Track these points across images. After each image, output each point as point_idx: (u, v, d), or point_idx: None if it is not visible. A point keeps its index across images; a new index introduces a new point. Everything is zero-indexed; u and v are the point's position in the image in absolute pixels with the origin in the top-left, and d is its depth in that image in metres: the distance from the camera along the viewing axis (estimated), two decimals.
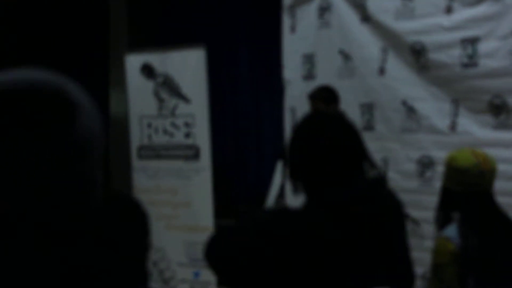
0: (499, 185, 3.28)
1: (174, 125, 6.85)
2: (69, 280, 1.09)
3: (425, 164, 5.89)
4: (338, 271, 1.93)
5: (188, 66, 6.78)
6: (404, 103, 5.98)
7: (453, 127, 5.74)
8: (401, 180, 6.04)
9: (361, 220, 1.98)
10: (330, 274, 1.91)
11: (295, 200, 2.26)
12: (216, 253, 2.02)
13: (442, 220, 3.27)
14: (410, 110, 5.96)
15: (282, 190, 6.27)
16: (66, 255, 1.10)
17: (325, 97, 5.56)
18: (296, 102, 6.67)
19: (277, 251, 1.88)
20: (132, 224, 1.32)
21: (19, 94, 1.11)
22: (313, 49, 6.63)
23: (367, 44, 6.24)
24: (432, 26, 5.78)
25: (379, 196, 2.15)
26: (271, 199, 6.63)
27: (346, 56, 6.38)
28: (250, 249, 1.93)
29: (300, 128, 2.23)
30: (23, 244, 1.08)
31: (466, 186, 3.13)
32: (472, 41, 5.56)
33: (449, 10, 5.69)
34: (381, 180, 2.31)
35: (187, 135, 6.79)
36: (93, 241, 1.14)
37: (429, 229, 5.75)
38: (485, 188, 3.13)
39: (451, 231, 3.06)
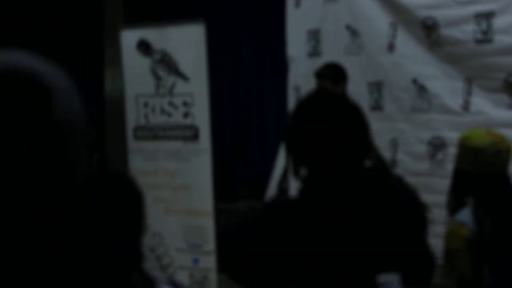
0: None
1: (172, 104, 6.79)
2: (55, 259, 1.07)
3: (437, 145, 5.85)
4: (334, 262, 1.92)
5: (187, 42, 6.70)
6: (415, 81, 5.93)
7: (466, 106, 5.69)
8: (411, 162, 6.01)
9: (360, 209, 1.97)
10: (326, 266, 1.91)
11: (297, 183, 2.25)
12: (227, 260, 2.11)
13: (455, 204, 3.24)
14: (421, 89, 5.91)
15: (285, 173, 6.23)
16: (50, 233, 1.08)
17: (332, 76, 5.50)
18: (300, 80, 6.63)
19: (272, 246, 1.92)
20: (123, 201, 1.30)
21: None
22: (318, 24, 6.57)
23: (376, 19, 6.19)
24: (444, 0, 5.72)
25: (381, 184, 2.09)
26: (273, 183, 6.60)
27: (353, 32, 6.33)
28: (251, 247, 1.98)
29: (301, 107, 2.20)
30: (6, 226, 1.07)
31: (481, 167, 3.08)
32: (487, 16, 5.50)
33: None
34: (384, 169, 2.33)
35: (186, 115, 6.72)
36: (79, 218, 1.13)
37: (440, 214, 5.73)
38: (501, 169, 3.09)
39: (465, 215, 3.02)
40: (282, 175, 6.31)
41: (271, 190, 6.57)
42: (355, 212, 1.95)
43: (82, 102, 1.20)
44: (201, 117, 6.65)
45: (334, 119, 2.07)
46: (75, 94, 1.19)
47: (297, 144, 2.14)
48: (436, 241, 5.64)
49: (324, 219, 1.92)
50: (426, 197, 5.81)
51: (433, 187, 5.80)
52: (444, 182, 5.62)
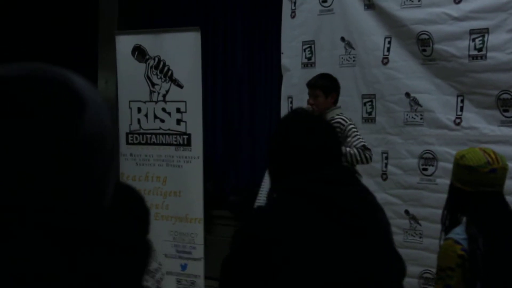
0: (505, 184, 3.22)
1: (165, 111, 6.77)
2: (72, 284, 1.03)
3: (428, 159, 5.84)
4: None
5: (182, 49, 6.67)
6: (408, 95, 5.93)
7: (458, 122, 5.68)
8: (401, 175, 6.00)
9: (329, 202, 2.09)
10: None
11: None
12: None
13: (449, 221, 3.20)
14: (413, 103, 5.90)
15: None
16: (69, 258, 1.03)
17: (324, 86, 5.47)
18: (293, 91, 6.61)
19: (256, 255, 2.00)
20: (138, 224, 1.26)
21: (20, 82, 1.04)
22: (313, 35, 6.55)
23: (371, 32, 6.18)
24: (439, 15, 5.72)
25: (349, 180, 2.22)
26: (263, 192, 6.56)
27: (348, 44, 6.31)
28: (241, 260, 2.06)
29: (277, 128, 2.39)
30: (23, 245, 1.00)
31: (475, 186, 3.05)
32: (481, 33, 5.50)
33: None
34: (352, 170, 2.40)
35: (178, 122, 6.70)
36: (100, 243, 1.08)
37: (429, 227, 5.73)
38: (496, 188, 3.06)
39: (459, 233, 2.99)
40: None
41: (261, 198, 6.53)
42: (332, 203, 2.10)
43: (112, 119, 1.16)
44: (194, 124, 6.62)
45: (303, 139, 2.23)
46: (106, 108, 1.14)
47: (273, 158, 2.31)
48: (424, 254, 5.66)
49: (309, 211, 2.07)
50: (416, 210, 5.88)
51: (423, 200, 5.81)
52: (434, 196, 5.65)
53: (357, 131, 5.28)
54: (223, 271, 2.11)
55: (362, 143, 5.19)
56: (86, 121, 1.06)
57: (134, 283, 1.14)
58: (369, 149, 5.21)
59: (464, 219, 3.09)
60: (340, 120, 5.32)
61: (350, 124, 5.30)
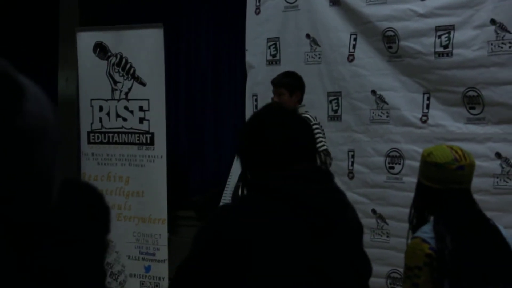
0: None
1: (127, 109, 6.71)
2: (24, 279, 1.03)
3: (394, 157, 5.84)
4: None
5: (145, 46, 6.63)
6: (374, 92, 5.92)
7: (424, 119, 5.69)
8: (368, 173, 6.00)
9: (303, 200, 2.06)
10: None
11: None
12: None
13: (416, 220, 3.19)
14: (379, 100, 5.90)
15: (240, 182, 6.16)
16: (16, 249, 1.03)
17: (289, 85, 5.45)
18: (258, 88, 6.59)
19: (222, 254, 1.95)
20: (94, 220, 1.23)
21: None
22: (278, 32, 6.53)
23: (336, 29, 6.17)
24: (405, 12, 5.72)
25: (321, 178, 2.19)
26: (228, 191, 6.54)
27: (313, 41, 6.30)
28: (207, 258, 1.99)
29: (250, 122, 2.30)
30: None
31: (442, 183, 3.04)
32: (447, 30, 5.51)
33: None
34: (325, 169, 2.40)
35: (141, 120, 6.65)
36: (49, 238, 1.08)
37: (396, 226, 5.73)
38: (463, 185, 3.06)
39: (427, 231, 2.97)
40: (237, 183, 6.24)
41: (226, 198, 6.50)
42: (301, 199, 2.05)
43: (52, 107, 1.13)
44: (157, 122, 6.58)
45: (278, 133, 2.17)
46: (46, 99, 1.12)
47: (245, 152, 2.24)
48: (391, 253, 5.67)
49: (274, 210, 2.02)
50: (383, 209, 5.88)
51: (389, 199, 5.81)
52: (401, 194, 5.66)
53: (320, 133, 5.25)
54: (179, 272, 2.05)
55: (325, 147, 5.17)
56: (26, 113, 1.04)
57: (88, 275, 1.11)
58: (329, 154, 5.20)
59: (432, 217, 3.08)
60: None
61: (315, 124, 5.27)
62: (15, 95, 1.03)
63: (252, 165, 2.21)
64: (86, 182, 1.30)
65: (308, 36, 6.32)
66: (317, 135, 5.15)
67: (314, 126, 5.26)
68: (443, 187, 3.02)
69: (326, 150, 5.16)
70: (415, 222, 3.18)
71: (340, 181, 5.88)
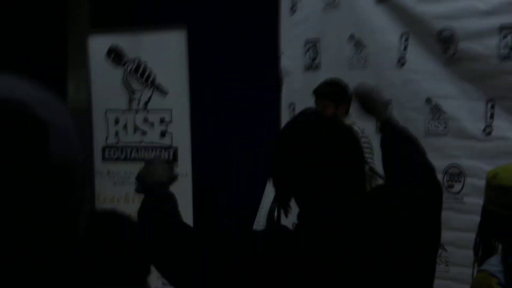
0: None
1: (147, 121, 6.73)
2: None
3: (454, 174, 5.76)
4: None
5: (166, 51, 6.68)
6: (429, 101, 5.85)
7: (488, 131, 5.61)
8: None
9: (366, 239, 1.96)
10: None
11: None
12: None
13: (483, 249, 3.12)
14: (435, 110, 5.83)
15: (275, 205, 6.13)
16: None
17: (335, 95, 5.42)
18: (295, 97, 6.58)
19: (267, 277, 1.88)
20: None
21: None
22: (317, 34, 6.52)
23: (384, 29, 6.12)
24: (464, 9, 5.64)
25: (388, 209, 2.09)
26: (261, 215, 6.50)
27: (358, 43, 6.26)
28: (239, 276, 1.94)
29: (286, 133, 2.21)
30: None
31: (510, 209, 2.97)
32: None
33: None
34: (387, 192, 2.27)
35: (163, 133, 6.67)
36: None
37: (456, 253, 5.64)
38: None
39: (495, 264, 2.90)
40: (271, 207, 6.21)
41: (259, 221, 6.45)
42: (361, 244, 1.95)
43: (81, 140, 1.15)
44: (181, 136, 6.61)
45: (326, 142, 2.09)
46: (74, 130, 1.13)
47: (283, 174, 2.14)
48: (450, 284, 5.57)
49: (327, 254, 1.92)
50: (441, 234, 5.75)
51: (449, 222, 5.69)
52: (461, 217, 5.57)
53: (368, 147, 5.21)
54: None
55: (370, 165, 5.12)
56: (51, 146, 1.04)
57: None
58: (376, 175, 5.14)
59: (501, 247, 3.01)
60: None
61: (362, 138, 5.22)
62: (37, 135, 1.03)
63: (291, 192, 2.13)
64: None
65: (351, 37, 6.27)
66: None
67: (362, 140, 5.21)
68: (510, 213, 2.96)
69: (371, 168, 5.10)
70: (481, 253, 3.13)
71: None
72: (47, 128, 1.04)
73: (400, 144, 2.61)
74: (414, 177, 2.36)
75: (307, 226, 2.03)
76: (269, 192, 6.34)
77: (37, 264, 1.04)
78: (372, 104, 2.95)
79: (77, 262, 1.14)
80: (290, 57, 6.67)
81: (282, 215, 2.19)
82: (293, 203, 2.14)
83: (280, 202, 2.17)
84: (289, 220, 2.24)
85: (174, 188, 6.30)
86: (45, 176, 1.03)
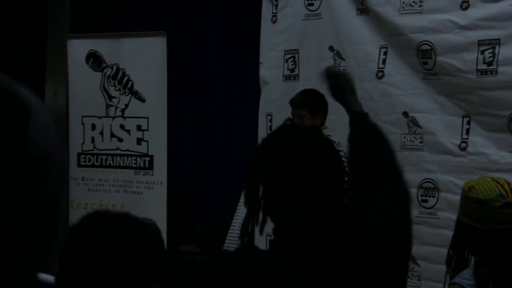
0: None
1: (124, 128, 6.71)
2: None
3: (428, 189, 5.80)
4: None
5: (145, 57, 6.64)
6: (406, 114, 5.90)
7: (463, 146, 5.67)
8: None
9: (340, 260, 1.95)
10: None
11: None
12: None
13: (455, 262, 3.17)
14: (412, 123, 5.86)
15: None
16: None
17: (311, 105, 5.44)
18: (273, 106, 6.57)
19: None
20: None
21: None
22: (297, 44, 6.53)
23: (364, 41, 6.15)
24: (443, 23, 5.69)
25: (365, 225, 2.08)
26: (236, 224, 6.51)
27: (337, 54, 6.28)
28: None
29: (265, 146, 2.19)
30: None
31: (487, 223, 3.02)
32: (491, 44, 5.50)
33: (465, 5, 5.61)
34: (365, 206, 2.25)
35: (139, 141, 6.65)
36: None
37: (429, 268, 5.69)
38: (509, 225, 3.04)
39: (467, 277, 2.96)
40: (245, 218, 6.21)
41: (233, 232, 6.48)
42: (335, 266, 1.94)
43: (59, 138, 1.12)
44: (157, 144, 6.57)
45: (306, 156, 2.07)
46: (53, 126, 1.10)
47: (261, 187, 2.10)
48: None
49: (301, 275, 1.91)
50: (414, 248, 5.78)
51: (422, 237, 5.75)
52: (435, 232, 5.62)
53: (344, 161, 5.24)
54: None
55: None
56: (31, 138, 1.03)
57: None
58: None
59: (473, 260, 3.06)
60: None
61: (340, 151, 5.25)
62: (20, 117, 1.03)
63: (270, 205, 2.09)
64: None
65: (331, 48, 6.31)
66: None
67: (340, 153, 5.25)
68: (487, 227, 3.00)
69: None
70: (454, 266, 3.17)
71: None
72: (29, 110, 1.03)
73: (371, 142, 2.52)
74: (388, 183, 2.34)
75: (281, 246, 2.03)
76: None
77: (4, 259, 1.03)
78: (341, 91, 2.86)
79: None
80: (269, 67, 6.65)
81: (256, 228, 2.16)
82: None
83: (254, 218, 2.14)
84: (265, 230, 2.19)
85: (149, 196, 6.36)
86: (20, 162, 1.02)
